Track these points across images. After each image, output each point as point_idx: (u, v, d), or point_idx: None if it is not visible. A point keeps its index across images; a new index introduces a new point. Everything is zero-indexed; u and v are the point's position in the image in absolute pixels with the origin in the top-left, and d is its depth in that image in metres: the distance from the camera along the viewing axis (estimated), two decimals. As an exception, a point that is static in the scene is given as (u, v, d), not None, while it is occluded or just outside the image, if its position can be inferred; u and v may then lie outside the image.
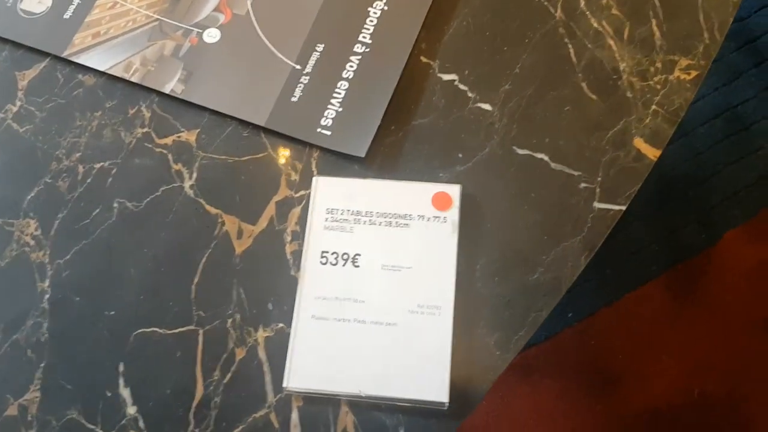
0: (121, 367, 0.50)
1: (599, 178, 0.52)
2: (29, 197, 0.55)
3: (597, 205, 0.52)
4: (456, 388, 0.47)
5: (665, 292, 1.12)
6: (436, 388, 0.46)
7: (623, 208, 0.52)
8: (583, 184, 0.52)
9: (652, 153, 0.53)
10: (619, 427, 1.06)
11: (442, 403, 0.46)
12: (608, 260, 1.14)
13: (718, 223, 1.16)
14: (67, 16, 0.61)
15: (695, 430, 1.06)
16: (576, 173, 0.53)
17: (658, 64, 0.56)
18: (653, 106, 0.54)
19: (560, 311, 1.09)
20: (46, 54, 0.60)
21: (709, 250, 1.14)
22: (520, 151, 0.54)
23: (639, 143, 0.53)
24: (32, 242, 0.54)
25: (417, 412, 0.47)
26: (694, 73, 0.56)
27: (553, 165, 0.53)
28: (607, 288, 1.13)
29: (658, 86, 0.55)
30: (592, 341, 1.10)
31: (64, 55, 0.59)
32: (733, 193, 1.17)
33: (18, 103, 0.59)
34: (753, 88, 1.23)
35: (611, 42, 0.57)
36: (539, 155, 0.54)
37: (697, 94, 0.56)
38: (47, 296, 0.52)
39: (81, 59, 0.59)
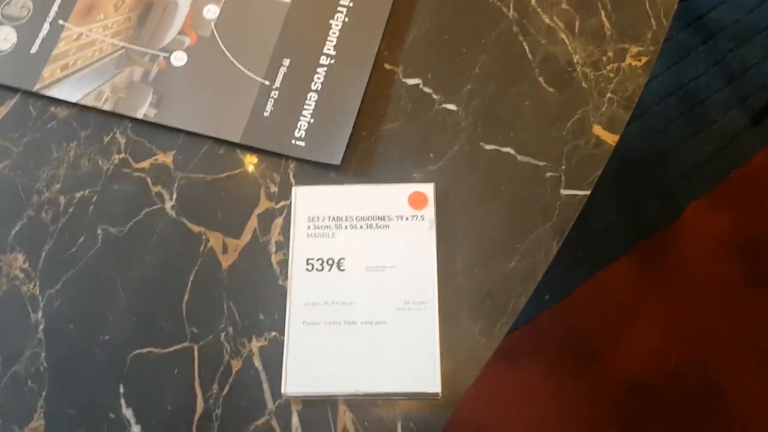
0: (122, 389, 0.51)
1: (563, 167, 0.55)
2: (14, 231, 0.56)
3: (563, 192, 0.55)
4: (447, 378, 0.49)
5: (635, 267, 1.17)
6: (428, 380, 0.49)
7: (588, 192, 0.54)
8: (548, 174, 0.55)
9: (611, 139, 0.56)
10: (602, 399, 1.10)
11: (436, 394, 0.48)
12: (579, 242, 1.18)
13: (679, 197, 1.20)
14: (33, 50, 0.61)
15: (673, 396, 1.10)
16: (541, 164, 0.56)
17: (610, 54, 0.59)
18: (608, 94, 0.57)
19: (538, 294, 1.12)
20: (16, 90, 0.61)
21: (672, 224, 1.19)
22: (488, 147, 0.57)
23: (598, 130, 0.56)
24: (21, 275, 0.55)
25: (412, 404, 0.50)
26: (644, 59, 0.59)
27: (519, 157, 0.56)
28: (580, 268, 1.17)
29: (611, 74, 0.58)
30: (570, 320, 1.13)
31: (34, 89, 0.60)
32: (692, 167, 1.22)
33: (-8, 140, 0.60)
34: (703, 64, 1.28)
35: (563, 36, 0.60)
36: (506, 149, 0.56)
37: (650, 75, 0.59)
38: (42, 327, 0.53)
39: (52, 92, 0.60)
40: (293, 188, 0.55)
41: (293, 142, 0.57)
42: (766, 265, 1.16)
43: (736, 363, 1.11)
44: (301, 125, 0.58)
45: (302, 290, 0.52)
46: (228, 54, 0.60)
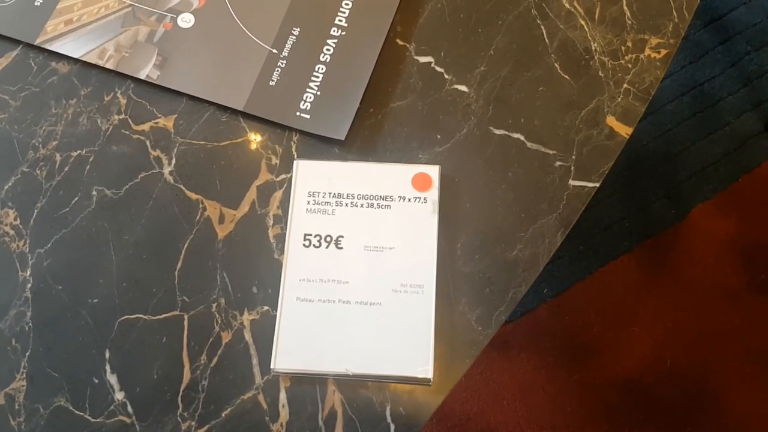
0: (107, 354, 0.50)
1: (573, 156, 0.54)
2: (6, 187, 0.55)
3: (572, 182, 0.53)
4: (440, 364, 0.48)
5: (636, 266, 1.15)
6: (420, 365, 0.48)
7: (597, 185, 0.53)
8: (558, 163, 0.54)
9: (624, 131, 0.54)
10: (594, 396, 1.09)
11: (427, 380, 0.47)
12: (581, 236, 1.16)
13: (686, 198, 1.19)
14: (37, 3, 0.60)
15: (667, 397, 1.09)
16: (551, 152, 0.54)
17: (629, 43, 0.57)
18: (624, 85, 0.56)
19: (536, 287, 1.11)
20: (17, 42, 0.59)
21: (678, 225, 1.17)
22: (497, 132, 0.55)
23: (611, 121, 0.55)
24: (11, 232, 0.54)
25: (403, 388, 0.49)
26: (663, 52, 0.57)
27: (528, 144, 0.55)
28: (581, 264, 1.15)
29: (629, 65, 0.56)
30: (566, 316, 1.12)
31: (36, 42, 0.58)
32: (701, 169, 1.20)
33: (-10, 92, 0.58)
34: (719, 65, 1.25)
35: (583, 22, 0.58)
36: (515, 135, 0.55)
37: (665, 72, 0.57)
38: (29, 285, 0.52)
39: (54, 47, 0.58)
40: (295, 162, 0.54)
41: (298, 114, 0.56)
42: (769, 273, 1.15)
43: (733, 367, 1.10)
44: (307, 97, 0.56)
45: (298, 266, 0.50)
46: (236, 19, 0.59)
